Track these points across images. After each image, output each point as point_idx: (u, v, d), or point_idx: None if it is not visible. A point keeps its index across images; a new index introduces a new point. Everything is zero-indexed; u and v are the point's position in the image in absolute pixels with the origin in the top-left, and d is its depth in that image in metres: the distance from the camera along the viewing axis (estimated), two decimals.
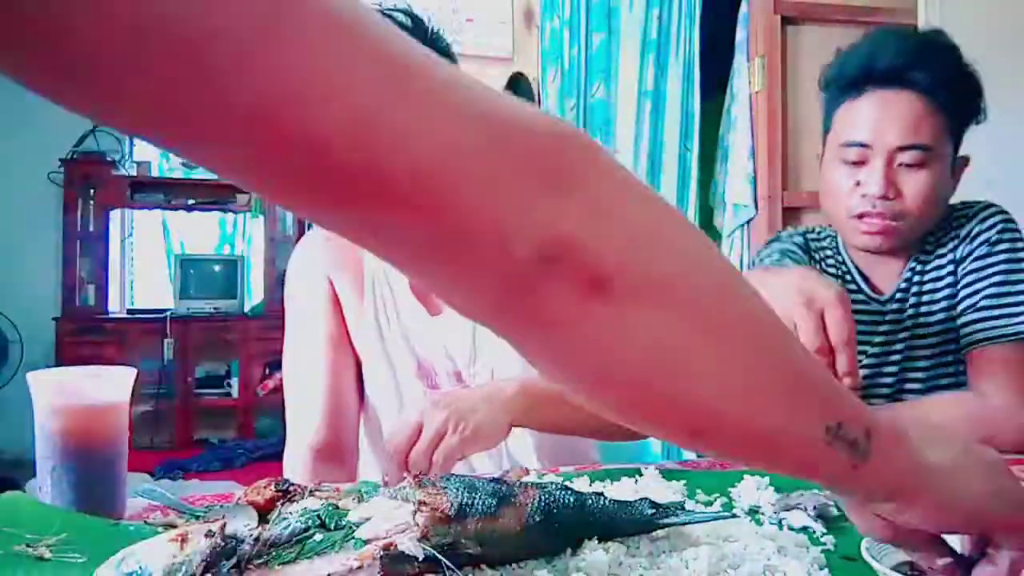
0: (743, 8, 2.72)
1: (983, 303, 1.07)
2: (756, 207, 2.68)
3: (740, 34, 2.74)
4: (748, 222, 2.72)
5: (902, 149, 1.06)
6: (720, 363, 0.36)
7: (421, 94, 0.29)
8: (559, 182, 0.33)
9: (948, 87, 1.06)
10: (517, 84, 2.57)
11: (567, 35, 2.61)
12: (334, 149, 0.27)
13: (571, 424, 0.92)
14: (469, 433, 0.82)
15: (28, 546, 0.58)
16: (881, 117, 1.07)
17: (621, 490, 0.76)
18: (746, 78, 2.72)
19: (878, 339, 1.16)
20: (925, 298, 1.13)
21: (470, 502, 0.55)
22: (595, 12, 2.66)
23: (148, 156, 4.49)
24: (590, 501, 0.61)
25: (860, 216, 1.09)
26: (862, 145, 1.08)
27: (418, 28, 0.97)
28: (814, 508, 0.69)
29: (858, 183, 1.09)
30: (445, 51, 0.99)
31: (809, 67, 2.70)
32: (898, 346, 1.15)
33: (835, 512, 0.70)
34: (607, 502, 0.61)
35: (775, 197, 2.65)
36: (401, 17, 0.96)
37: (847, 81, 1.11)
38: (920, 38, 1.10)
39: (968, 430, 0.99)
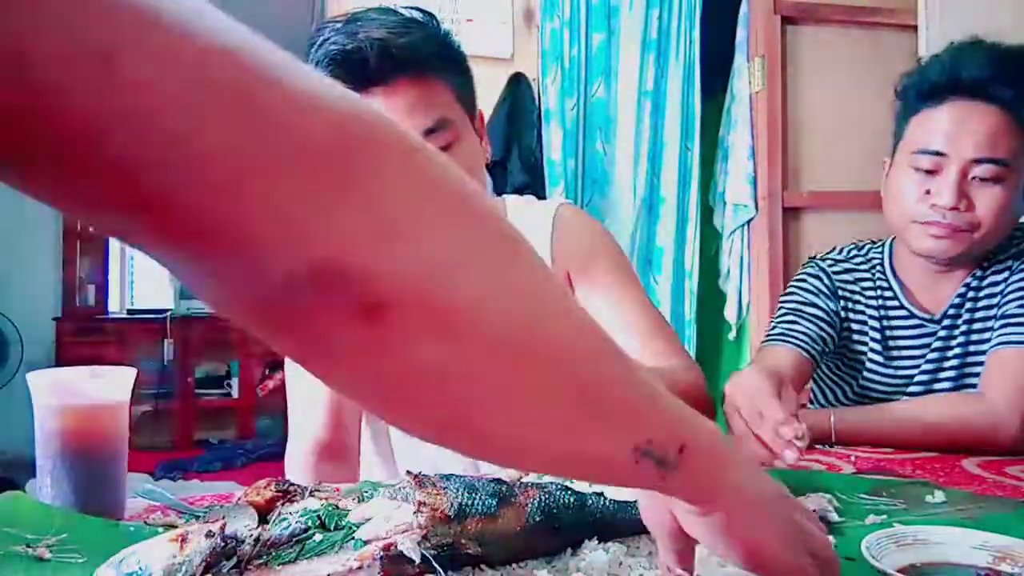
0: (743, 8, 2.72)
1: (1009, 310, 1.07)
2: (756, 207, 2.68)
3: (740, 34, 2.74)
4: (748, 222, 2.72)
5: (977, 162, 1.03)
6: (511, 393, 0.35)
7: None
8: (340, 193, 0.28)
9: None
10: (517, 84, 2.57)
11: (567, 35, 2.61)
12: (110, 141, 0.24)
13: None
14: None
15: (28, 546, 0.58)
16: (959, 127, 1.04)
17: (621, 490, 0.76)
18: (746, 78, 2.72)
19: (927, 359, 1.14)
20: (979, 315, 1.11)
21: (470, 502, 0.55)
22: (595, 12, 2.66)
23: None
24: (590, 501, 0.61)
25: (926, 224, 1.06)
26: (937, 153, 1.05)
27: (432, 26, 0.97)
28: (815, 511, 0.69)
29: (928, 192, 1.06)
30: (458, 53, 0.99)
31: (809, 67, 2.70)
32: (949, 363, 1.12)
33: (836, 516, 0.70)
34: (607, 502, 0.61)
35: (775, 197, 2.64)
36: (416, 15, 0.95)
37: (928, 89, 1.08)
38: (1007, 52, 1.07)
39: (963, 429, 0.99)
